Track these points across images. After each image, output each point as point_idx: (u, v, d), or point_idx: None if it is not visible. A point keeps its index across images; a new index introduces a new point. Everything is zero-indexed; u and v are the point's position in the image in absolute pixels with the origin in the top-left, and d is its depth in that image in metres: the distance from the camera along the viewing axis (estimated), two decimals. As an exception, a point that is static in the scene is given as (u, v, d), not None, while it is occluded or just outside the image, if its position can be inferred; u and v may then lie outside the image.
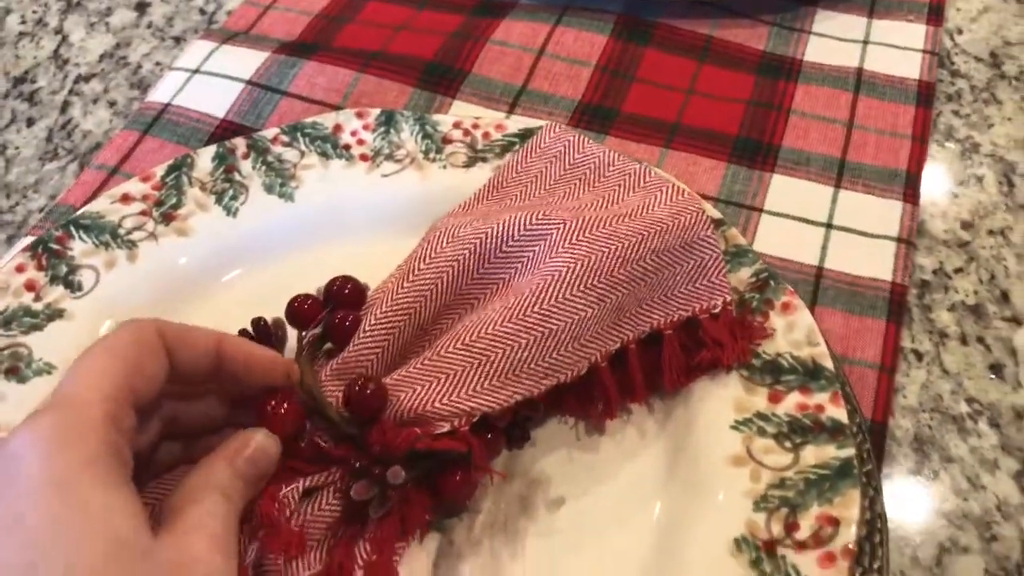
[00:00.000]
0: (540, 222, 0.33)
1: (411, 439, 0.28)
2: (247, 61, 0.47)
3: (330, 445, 0.28)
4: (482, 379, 0.29)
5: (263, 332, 0.29)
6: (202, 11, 0.52)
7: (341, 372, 0.30)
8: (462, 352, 0.30)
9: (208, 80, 0.46)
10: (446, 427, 0.29)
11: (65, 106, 0.46)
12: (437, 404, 0.29)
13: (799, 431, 0.30)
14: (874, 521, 0.29)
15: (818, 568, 0.27)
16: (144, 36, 0.50)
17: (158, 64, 0.49)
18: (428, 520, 0.29)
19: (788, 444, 0.29)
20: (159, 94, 0.46)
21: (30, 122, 0.46)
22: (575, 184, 0.36)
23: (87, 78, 0.48)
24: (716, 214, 0.35)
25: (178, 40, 0.50)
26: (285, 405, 0.27)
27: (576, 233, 0.32)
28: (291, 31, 0.50)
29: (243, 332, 0.30)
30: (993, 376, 0.36)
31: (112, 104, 0.47)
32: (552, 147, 0.37)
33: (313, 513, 0.28)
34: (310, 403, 0.28)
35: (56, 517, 0.21)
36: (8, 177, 0.43)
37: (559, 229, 0.32)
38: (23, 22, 0.51)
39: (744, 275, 0.34)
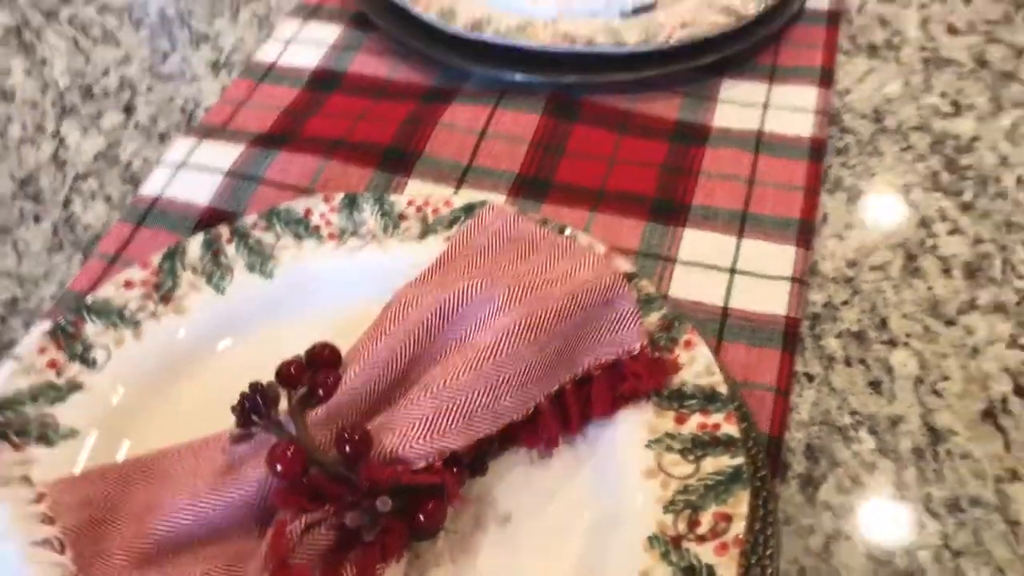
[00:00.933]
0: (488, 289, 0.39)
1: (396, 474, 0.34)
2: (226, 154, 0.54)
3: (326, 484, 0.34)
4: (450, 422, 0.36)
5: (260, 393, 0.35)
6: (182, 109, 0.59)
7: (327, 421, 0.36)
8: (432, 400, 0.36)
9: (192, 173, 0.53)
10: (423, 464, 0.35)
11: (66, 203, 0.53)
12: (414, 445, 0.35)
13: (700, 445, 0.36)
14: (767, 517, 0.36)
15: (715, 556, 0.33)
16: (132, 135, 0.57)
17: (146, 160, 0.55)
18: (404, 545, 0.35)
19: (691, 457, 0.36)
20: (149, 188, 0.52)
21: (37, 219, 0.52)
22: (513, 255, 0.42)
23: (84, 176, 0.54)
24: (629, 268, 0.42)
25: (163, 137, 0.57)
26: (291, 451, 0.33)
27: (518, 296, 0.39)
28: (262, 125, 0.56)
29: (242, 397, 0.36)
30: (872, 391, 0.42)
31: (108, 199, 0.53)
32: (493, 224, 0.44)
33: (309, 543, 0.33)
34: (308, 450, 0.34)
35: None
36: (21, 269, 0.49)
37: (504, 294, 0.39)
38: (24, 129, 0.57)
39: (654, 318, 0.40)
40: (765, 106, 0.56)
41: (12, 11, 0.67)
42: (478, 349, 0.37)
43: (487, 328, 0.38)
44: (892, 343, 0.44)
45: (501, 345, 0.37)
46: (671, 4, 0.60)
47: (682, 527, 0.34)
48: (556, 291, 0.38)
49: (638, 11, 0.59)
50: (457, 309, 0.39)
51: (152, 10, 0.67)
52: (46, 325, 0.42)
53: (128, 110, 0.58)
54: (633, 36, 0.56)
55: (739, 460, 0.35)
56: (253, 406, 0.35)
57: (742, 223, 0.49)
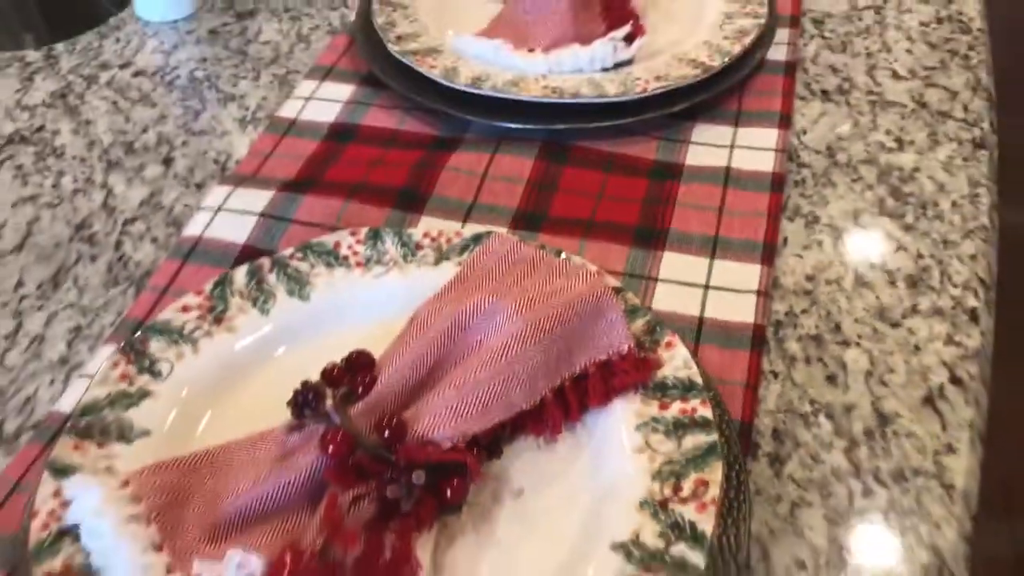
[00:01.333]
0: (497, 302, 0.46)
1: (428, 454, 0.41)
2: (258, 198, 0.61)
3: (368, 463, 0.40)
4: (471, 411, 0.42)
5: (311, 390, 0.42)
6: (215, 161, 0.66)
7: (366, 414, 0.42)
8: (455, 393, 0.42)
9: (229, 216, 0.60)
10: (449, 445, 0.41)
11: (118, 244, 0.60)
12: (442, 429, 0.42)
13: (681, 426, 0.43)
14: (739, 485, 0.42)
15: (696, 513, 0.39)
16: (172, 184, 0.64)
17: (186, 206, 0.62)
18: (434, 517, 0.41)
19: (673, 436, 0.42)
20: (192, 229, 0.59)
21: (92, 259, 0.59)
22: (517, 275, 0.49)
23: (132, 221, 0.61)
24: (616, 284, 0.49)
25: (199, 185, 0.64)
26: (339, 434, 0.40)
27: (524, 307, 0.45)
28: (288, 173, 0.64)
29: (296, 393, 0.42)
30: (829, 384, 0.49)
31: (155, 240, 0.60)
32: (498, 250, 0.51)
33: (356, 514, 0.40)
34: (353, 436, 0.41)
35: None
36: (82, 301, 0.56)
37: (511, 306, 0.46)
38: (75, 181, 0.64)
39: (639, 324, 0.47)
40: (731, 146, 0.64)
41: (57, 78, 0.74)
42: (492, 351, 0.44)
43: (499, 334, 0.45)
44: (845, 343, 0.51)
45: (511, 347, 0.43)
46: (646, 59, 0.68)
47: (668, 492, 0.40)
48: (555, 302, 0.45)
49: (617, 66, 0.67)
50: (472, 319, 0.46)
51: (182, 74, 0.74)
52: (115, 345, 0.48)
53: (167, 162, 0.66)
54: (613, 88, 0.64)
55: (714, 437, 0.42)
56: (305, 401, 0.42)
57: (714, 246, 0.57)
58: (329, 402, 0.42)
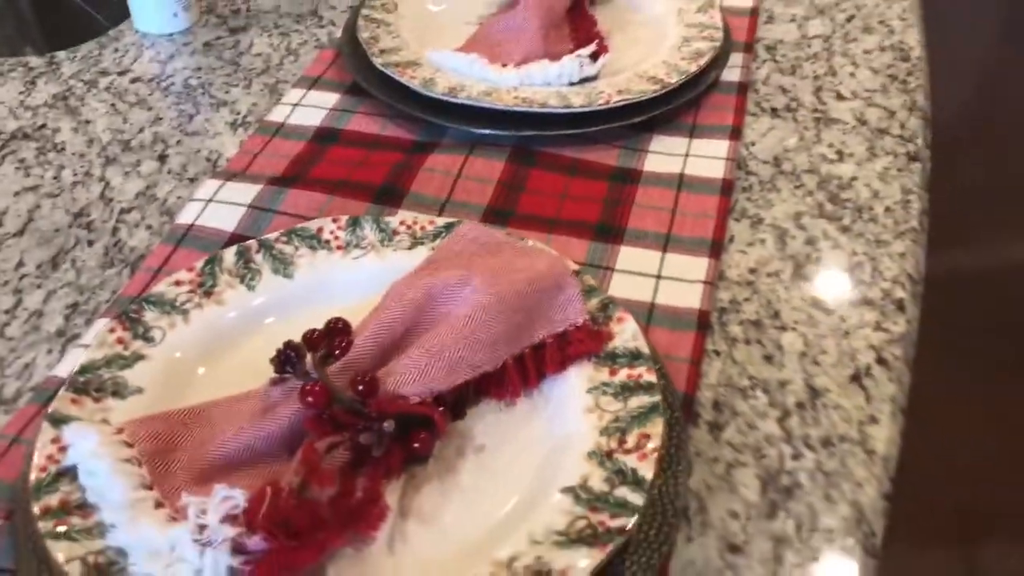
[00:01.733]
0: (465, 276, 0.51)
1: (397, 406, 0.45)
2: (247, 191, 0.65)
3: (344, 415, 0.44)
4: (437, 371, 0.47)
5: (293, 348, 0.46)
6: (207, 159, 0.70)
7: (343, 372, 0.46)
8: (424, 355, 0.47)
9: (220, 206, 0.64)
10: (417, 400, 0.46)
11: (114, 231, 0.64)
12: (411, 386, 0.46)
13: (627, 390, 0.47)
14: (679, 442, 0.47)
15: (637, 462, 0.44)
16: (167, 179, 0.68)
17: (179, 198, 0.67)
18: (402, 466, 0.45)
19: (620, 398, 0.47)
20: (184, 217, 0.63)
21: (90, 243, 0.63)
22: (485, 255, 0.54)
23: (128, 210, 0.65)
24: (575, 267, 0.54)
25: (192, 180, 0.68)
26: (317, 387, 0.44)
27: (490, 281, 0.50)
28: (276, 170, 0.68)
29: (279, 351, 0.46)
30: (766, 363, 0.54)
31: (149, 227, 0.64)
32: (468, 234, 0.56)
33: (331, 459, 0.44)
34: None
35: None
36: (80, 280, 0.60)
37: (478, 280, 0.50)
38: (75, 175, 0.69)
39: (594, 302, 0.52)
40: (686, 155, 0.69)
41: (58, 82, 0.79)
42: (459, 319, 0.48)
43: (466, 304, 0.49)
44: (783, 328, 0.56)
45: (476, 316, 0.48)
46: (610, 76, 0.73)
47: (613, 444, 0.45)
48: (519, 278, 0.50)
49: (583, 81, 0.73)
50: (442, 292, 0.50)
51: (177, 81, 0.79)
52: (112, 315, 0.52)
53: (162, 159, 0.70)
54: (579, 100, 0.69)
55: (657, 398, 0.47)
56: (287, 359, 0.46)
57: (666, 242, 0.62)
58: (309, 360, 0.47)
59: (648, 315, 0.56)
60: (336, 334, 0.49)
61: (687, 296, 0.58)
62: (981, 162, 2.22)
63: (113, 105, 0.76)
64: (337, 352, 0.48)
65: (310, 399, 0.44)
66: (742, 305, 0.58)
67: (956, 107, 2.41)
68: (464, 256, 0.54)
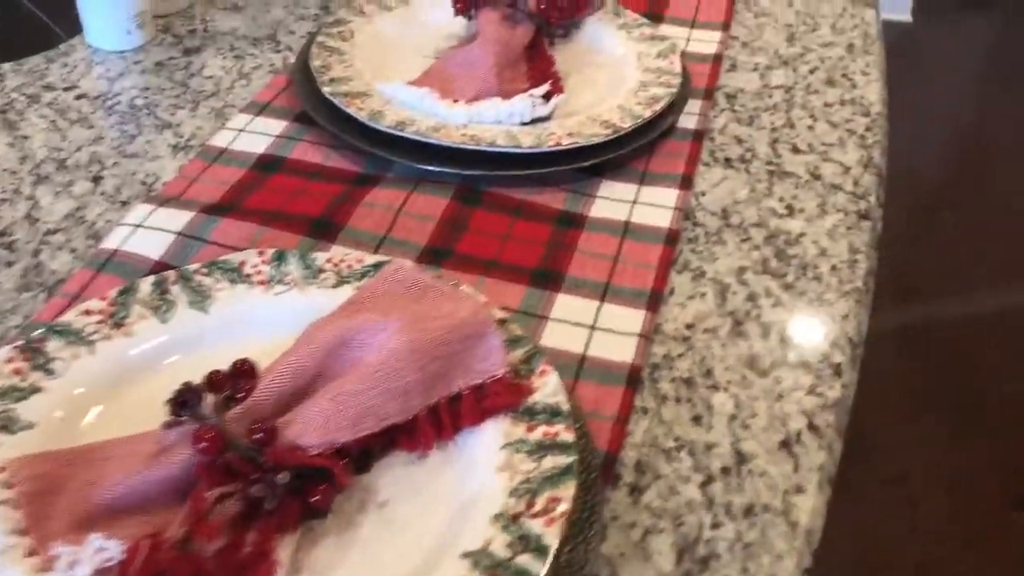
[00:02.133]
0: (382, 321, 0.49)
1: (294, 457, 0.43)
2: (178, 218, 0.63)
3: (238, 463, 0.42)
4: (341, 421, 0.45)
5: (191, 390, 0.44)
6: (143, 182, 0.68)
7: (243, 418, 0.44)
8: (328, 403, 0.45)
9: (148, 232, 0.62)
10: (317, 452, 0.44)
11: (36, 252, 0.62)
12: (311, 436, 0.44)
13: (543, 448, 0.45)
14: (592, 507, 0.45)
15: (544, 527, 0.42)
16: (99, 201, 0.66)
17: (109, 221, 0.64)
18: (299, 520, 0.43)
19: (535, 456, 0.45)
20: (110, 242, 0.61)
21: (9, 264, 0.60)
22: (408, 298, 0.52)
23: (53, 232, 0.63)
24: (501, 315, 0.52)
25: (125, 203, 0.66)
26: (212, 432, 0.42)
27: (406, 327, 0.48)
28: (212, 197, 0.66)
29: (176, 392, 0.44)
30: (694, 423, 0.52)
31: (73, 251, 0.62)
32: (394, 276, 0.54)
33: (221, 509, 0.42)
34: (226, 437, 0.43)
35: None
36: (-8, 303, 0.58)
37: (395, 325, 0.48)
38: (3, 192, 0.67)
39: (519, 353, 0.50)
40: (634, 202, 0.68)
41: (0, 95, 0.77)
42: (371, 365, 0.46)
43: (379, 350, 0.47)
44: (715, 388, 0.55)
45: (388, 363, 0.46)
46: (562, 117, 0.72)
47: (521, 507, 0.43)
48: (439, 324, 0.48)
49: (535, 122, 0.71)
50: (355, 336, 0.48)
51: (123, 100, 0.77)
52: (15, 343, 0.50)
53: (96, 180, 0.68)
54: (528, 140, 0.68)
55: (572, 459, 0.45)
56: (183, 400, 0.44)
57: (604, 291, 0.60)
58: (207, 402, 0.44)
59: (578, 368, 0.54)
60: (241, 376, 0.46)
61: (621, 349, 0.56)
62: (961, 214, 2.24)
63: (53, 122, 0.74)
64: (240, 395, 0.45)
65: (203, 445, 0.42)
66: (675, 361, 0.56)
67: (937, 158, 2.43)
68: (386, 298, 0.52)
